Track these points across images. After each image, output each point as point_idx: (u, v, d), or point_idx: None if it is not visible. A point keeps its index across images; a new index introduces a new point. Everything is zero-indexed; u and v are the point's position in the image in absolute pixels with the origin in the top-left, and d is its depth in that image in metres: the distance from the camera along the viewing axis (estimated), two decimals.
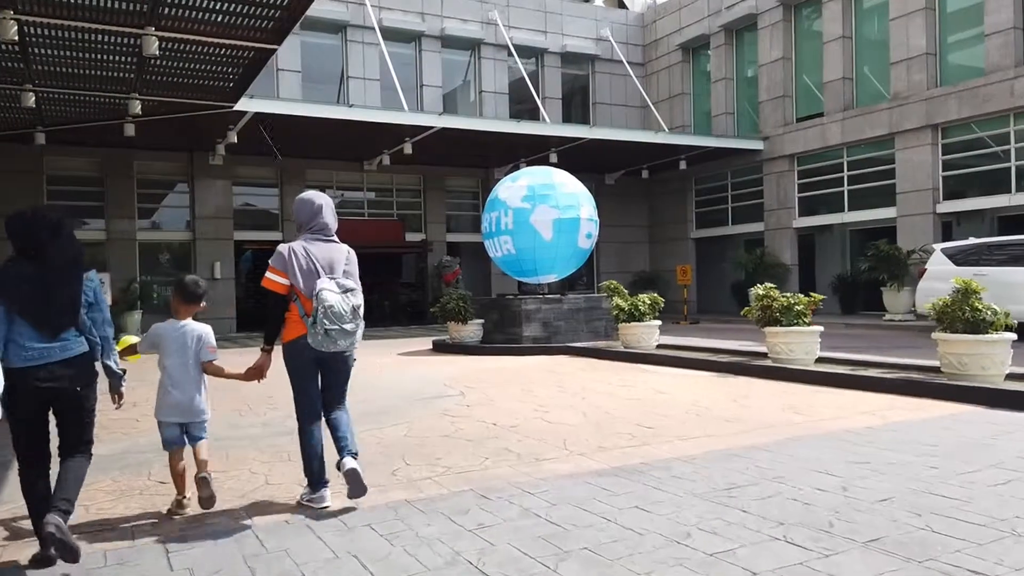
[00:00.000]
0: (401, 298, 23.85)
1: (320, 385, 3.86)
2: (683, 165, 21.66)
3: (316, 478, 3.78)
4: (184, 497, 3.74)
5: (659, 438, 5.30)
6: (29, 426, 3.15)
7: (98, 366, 3.33)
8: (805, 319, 8.38)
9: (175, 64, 11.33)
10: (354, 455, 3.73)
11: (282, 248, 3.75)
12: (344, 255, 3.84)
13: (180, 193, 19.47)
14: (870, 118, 18.27)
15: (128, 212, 18.31)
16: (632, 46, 24.94)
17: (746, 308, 9.03)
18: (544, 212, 12.36)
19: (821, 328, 8.54)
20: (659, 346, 11.14)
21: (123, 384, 3.50)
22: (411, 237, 22.12)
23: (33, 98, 12.23)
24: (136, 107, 13.06)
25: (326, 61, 20.85)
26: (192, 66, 11.43)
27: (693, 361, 9.51)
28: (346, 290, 3.67)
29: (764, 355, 8.94)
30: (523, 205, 12.49)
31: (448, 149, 19.45)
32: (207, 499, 3.65)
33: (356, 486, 3.64)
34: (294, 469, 4.37)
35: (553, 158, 19.24)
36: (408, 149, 17.98)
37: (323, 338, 3.55)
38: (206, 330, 3.83)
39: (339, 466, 3.69)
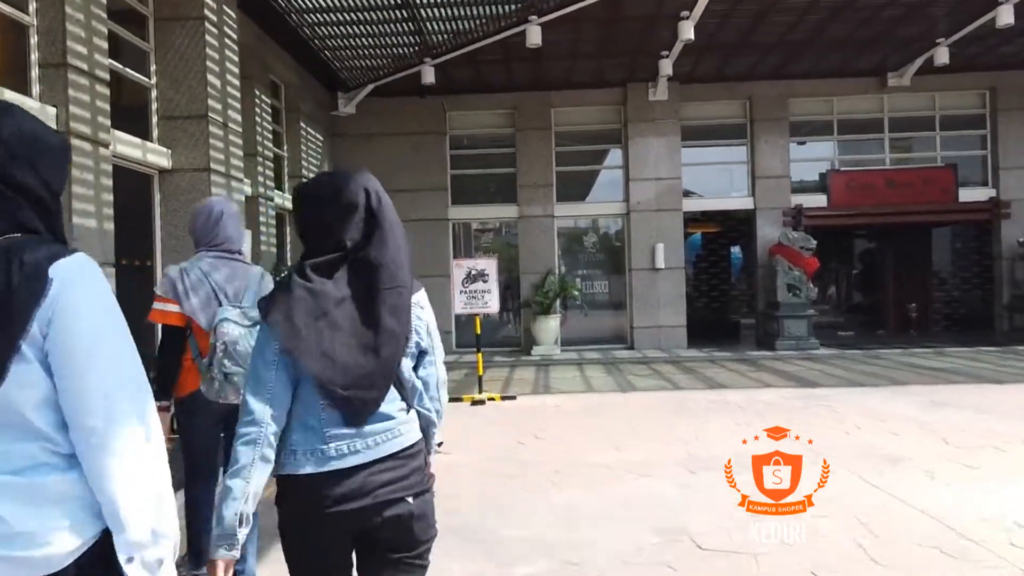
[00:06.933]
0: (939, 295, 14.96)
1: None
2: None
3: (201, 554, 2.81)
4: None
5: None
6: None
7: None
8: None
9: None
10: None
11: (171, 269, 2.93)
12: (257, 279, 2.97)
13: (612, 147, 13.91)
14: None
15: (544, 179, 13.37)
16: None
17: None
18: None
19: None
20: None
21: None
22: (966, 195, 13.15)
23: None
24: None
25: None
26: None
27: None
28: (256, 323, 2.67)
29: None
30: None
31: None
32: None
33: None
34: None
35: None
36: (1006, 17, 9.39)
37: (221, 386, 2.71)
38: None
39: None
